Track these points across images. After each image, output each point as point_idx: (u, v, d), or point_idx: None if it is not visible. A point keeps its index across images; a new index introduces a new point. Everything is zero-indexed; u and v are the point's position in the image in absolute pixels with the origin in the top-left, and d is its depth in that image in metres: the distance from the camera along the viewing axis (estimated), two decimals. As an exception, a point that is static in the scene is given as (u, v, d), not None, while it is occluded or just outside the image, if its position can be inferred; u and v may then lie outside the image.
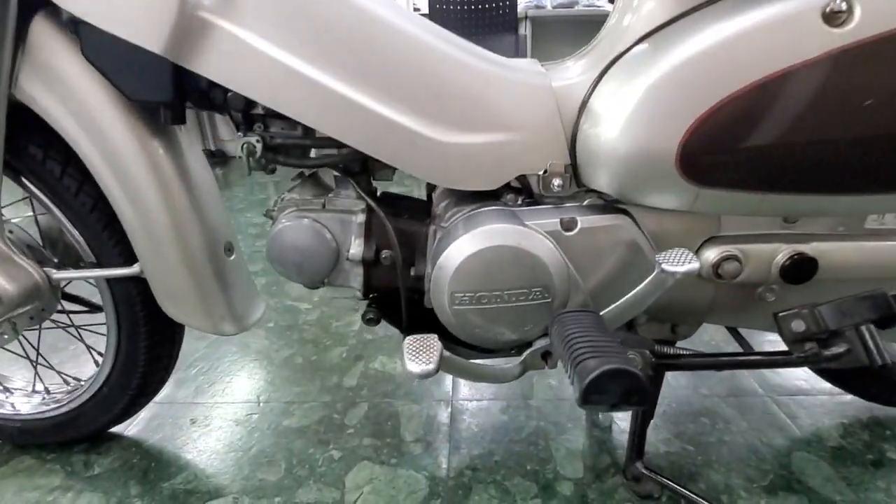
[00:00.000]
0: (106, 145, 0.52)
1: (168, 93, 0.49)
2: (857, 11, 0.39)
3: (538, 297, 0.50)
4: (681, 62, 0.43)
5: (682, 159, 0.44)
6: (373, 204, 0.55)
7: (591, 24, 3.52)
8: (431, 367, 0.43)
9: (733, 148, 0.44)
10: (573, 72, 0.53)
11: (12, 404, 0.74)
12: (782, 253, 0.51)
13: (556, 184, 0.52)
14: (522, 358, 0.53)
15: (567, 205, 0.53)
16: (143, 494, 0.67)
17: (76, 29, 0.48)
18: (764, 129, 0.43)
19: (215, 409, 0.84)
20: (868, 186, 0.45)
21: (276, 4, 0.46)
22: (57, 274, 0.60)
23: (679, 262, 0.45)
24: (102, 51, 0.48)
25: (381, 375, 0.92)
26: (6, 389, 0.76)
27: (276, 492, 0.67)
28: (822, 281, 0.52)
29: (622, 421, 0.77)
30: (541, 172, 0.52)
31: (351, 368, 0.94)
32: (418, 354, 0.45)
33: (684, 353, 0.56)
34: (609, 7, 2.45)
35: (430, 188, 0.64)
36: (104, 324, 0.67)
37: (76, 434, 0.75)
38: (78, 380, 0.76)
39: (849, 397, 0.80)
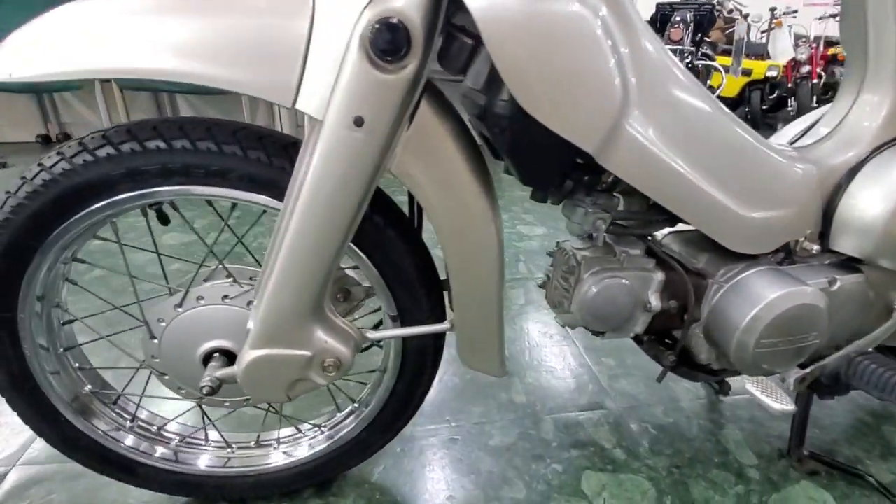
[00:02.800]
0: (459, 213, 0.56)
1: (560, 180, 0.55)
2: None
3: (814, 340, 0.65)
4: None
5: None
6: (679, 266, 0.65)
7: None
8: (792, 407, 0.56)
9: None
10: (828, 159, 0.67)
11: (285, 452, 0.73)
12: None
13: (813, 248, 0.67)
14: (793, 388, 0.68)
15: (815, 264, 0.69)
16: (416, 527, 0.72)
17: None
18: None
19: (413, 436, 0.88)
20: None
21: (674, 123, 0.54)
22: (373, 334, 0.61)
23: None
24: (518, 139, 0.52)
25: (539, 388, 1.02)
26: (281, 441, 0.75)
27: (531, 508, 0.76)
28: None
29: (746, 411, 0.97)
30: (801, 238, 0.67)
31: (509, 384, 1.03)
32: (768, 395, 0.57)
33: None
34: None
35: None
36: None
37: (314, 480, 0.76)
38: (318, 426, 0.76)
39: None
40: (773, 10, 3.88)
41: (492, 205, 0.57)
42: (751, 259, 0.68)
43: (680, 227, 0.73)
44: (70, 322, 0.64)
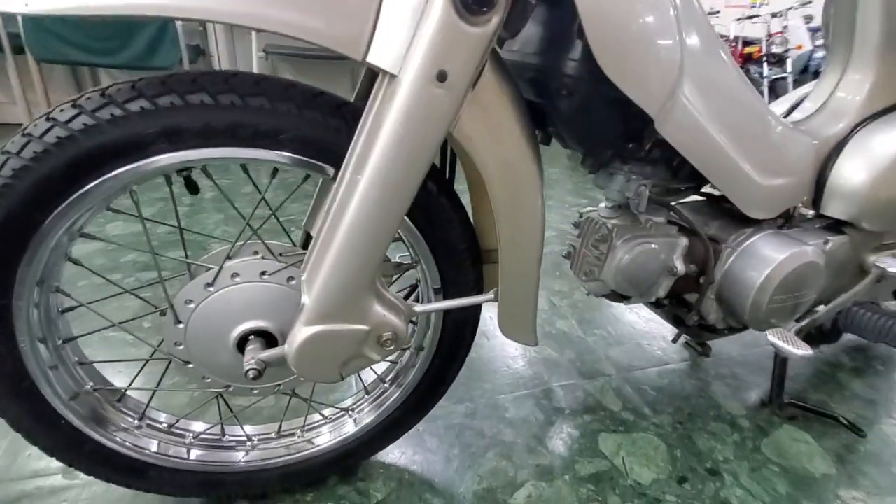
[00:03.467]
0: (514, 181, 0.55)
1: (611, 146, 0.55)
2: None
3: (812, 295, 0.72)
4: (886, 146, 0.68)
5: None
6: (700, 232, 0.69)
7: None
8: (811, 352, 0.62)
9: None
10: (820, 132, 0.73)
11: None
12: None
13: (809, 213, 0.74)
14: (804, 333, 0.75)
15: (809, 227, 0.76)
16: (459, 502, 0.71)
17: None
18: None
19: (432, 415, 0.87)
20: None
21: (715, 95, 0.57)
22: (420, 307, 0.59)
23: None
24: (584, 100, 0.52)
25: (543, 361, 1.04)
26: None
27: (560, 472, 0.78)
28: None
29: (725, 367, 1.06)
30: (799, 204, 0.73)
31: (513, 360, 1.04)
32: (789, 343, 0.63)
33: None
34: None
35: None
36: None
37: (340, 467, 0.72)
38: (344, 410, 0.72)
39: None
40: None
41: (540, 173, 0.57)
42: (755, 224, 0.73)
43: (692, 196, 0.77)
44: (70, 309, 0.55)
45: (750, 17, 4.13)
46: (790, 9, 4.20)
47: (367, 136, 0.45)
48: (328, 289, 0.49)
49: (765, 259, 0.68)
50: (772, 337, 0.68)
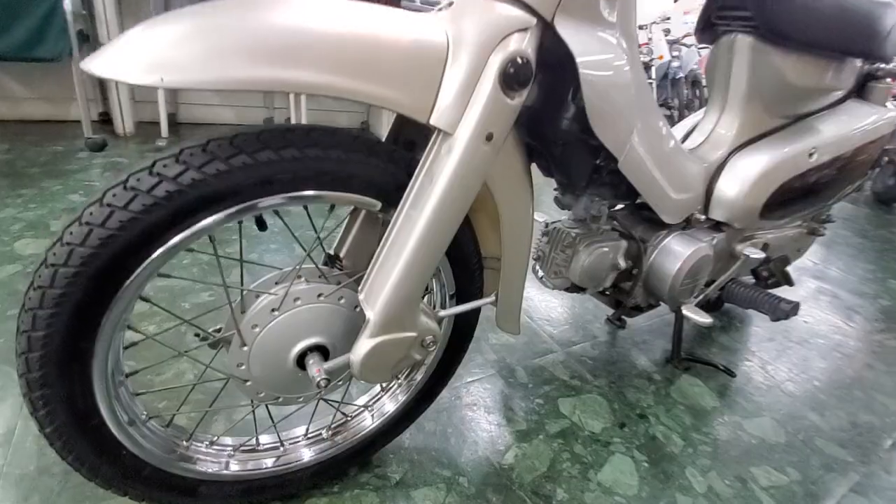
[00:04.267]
0: (518, 204, 0.70)
1: (584, 177, 0.73)
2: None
3: (705, 278, 0.98)
4: (772, 160, 0.96)
5: (765, 207, 0.99)
6: (634, 236, 0.90)
7: None
8: (710, 319, 0.87)
9: (784, 200, 1.01)
10: (708, 157, 0.99)
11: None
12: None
13: (702, 218, 1.00)
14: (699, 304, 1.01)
15: (701, 228, 1.02)
16: (469, 475, 0.85)
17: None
18: (800, 187, 1.00)
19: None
20: None
21: (650, 137, 0.77)
22: (443, 312, 0.71)
23: (756, 254, 1.01)
24: (573, 147, 0.67)
25: (505, 346, 1.22)
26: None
27: (535, 433, 0.96)
28: None
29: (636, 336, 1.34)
30: (696, 211, 0.99)
31: (478, 347, 1.20)
32: (697, 315, 0.87)
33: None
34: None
35: None
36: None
37: (366, 457, 0.82)
38: (364, 406, 0.81)
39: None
40: None
41: (532, 197, 0.72)
42: (668, 227, 0.97)
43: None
44: (134, 344, 0.57)
45: None
46: (653, 23, 4.93)
47: (423, 181, 0.56)
48: (390, 304, 0.59)
49: (677, 254, 0.92)
50: (685, 311, 0.92)
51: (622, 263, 0.91)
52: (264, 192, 0.50)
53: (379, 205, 0.60)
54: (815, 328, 1.51)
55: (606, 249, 0.88)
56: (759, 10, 0.84)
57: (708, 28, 0.96)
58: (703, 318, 0.91)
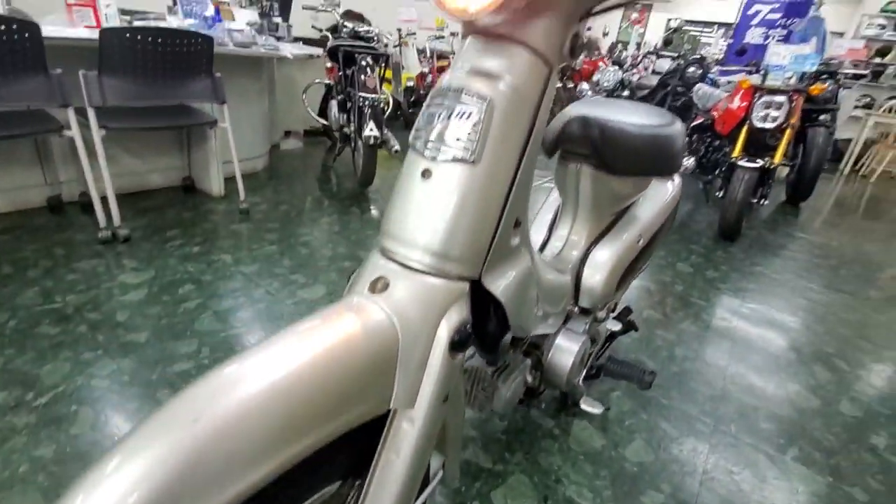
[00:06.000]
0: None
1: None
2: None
3: (588, 360, 1.18)
4: (617, 253, 1.19)
5: (616, 288, 1.22)
6: (531, 351, 1.03)
7: (268, 60, 3.55)
8: (602, 408, 1.06)
9: (626, 277, 1.25)
10: (568, 259, 1.17)
11: None
12: None
13: (576, 309, 1.18)
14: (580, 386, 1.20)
15: (577, 317, 1.20)
16: None
17: None
18: (634, 263, 1.26)
19: None
20: None
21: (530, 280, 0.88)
22: None
23: (617, 325, 1.25)
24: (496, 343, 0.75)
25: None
26: None
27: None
28: None
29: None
30: (572, 305, 1.17)
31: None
32: (592, 406, 1.06)
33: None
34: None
35: None
36: None
37: None
38: None
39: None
40: (399, 30, 4.83)
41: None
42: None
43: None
44: None
45: (438, 37, 5.06)
46: None
47: (388, 455, 0.57)
48: None
49: (568, 350, 1.09)
50: (583, 406, 1.10)
51: (530, 379, 1.04)
52: None
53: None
54: (631, 343, 1.92)
55: (518, 374, 0.99)
56: (594, 151, 1.02)
57: (555, 151, 1.12)
58: (597, 409, 1.11)
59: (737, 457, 1.36)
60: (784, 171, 4.13)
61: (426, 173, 0.57)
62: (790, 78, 2.95)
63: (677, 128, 1.16)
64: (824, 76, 3.56)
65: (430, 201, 0.57)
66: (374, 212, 2.88)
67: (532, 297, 0.78)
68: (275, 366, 0.45)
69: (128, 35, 1.94)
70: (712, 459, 1.34)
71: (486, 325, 0.72)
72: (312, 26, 4.04)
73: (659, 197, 1.36)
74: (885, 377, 1.83)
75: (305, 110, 3.87)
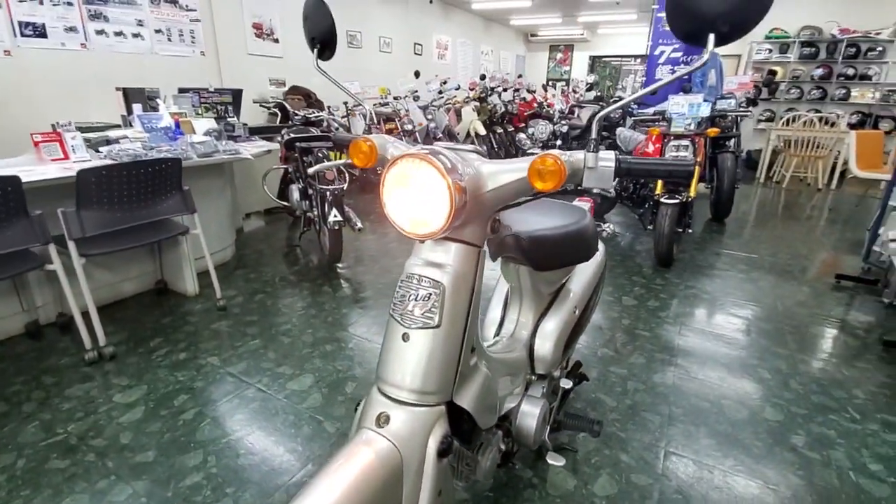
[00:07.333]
0: None
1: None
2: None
3: (549, 419, 1.42)
4: (559, 325, 1.45)
5: (562, 353, 1.48)
6: (501, 423, 1.27)
7: (229, 164, 3.79)
8: (563, 461, 1.29)
9: (569, 342, 1.52)
10: (521, 338, 1.42)
11: None
12: None
13: (533, 377, 1.43)
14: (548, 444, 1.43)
15: (536, 383, 1.45)
16: None
17: None
18: (574, 328, 1.53)
19: None
20: None
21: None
22: None
23: (568, 383, 1.50)
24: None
25: None
26: None
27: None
28: None
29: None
30: (529, 374, 1.41)
31: None
32: (556, 460, 1.29)
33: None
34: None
35: None
36: None
37: None
38: None
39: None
40: (345, 104, 5.37)
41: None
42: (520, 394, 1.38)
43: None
44: None
45: (383, 104, 5.65)
46: (406, 97, 5.91)
47: None
48: None
49: (532, 414, 1.33)
50: (549, 460, 1.33)
51: (503, 446, 1.27)
52: None
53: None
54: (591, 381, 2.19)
55: (494, 446, 1.22)
56: (526, 257, 1.30)
57: (498, 256, 1.40)
58: (560, 462, 1.34)
59: (686, 476, 1.62)
60: (707, 192, 4.67)
61: (405, 336, 0.81)
62: (690, 124, 3.44)
63: (586, 222, 1.47)
64: (717, 118, 4.12)
65: (410, 356, 0.81)
66: (346, 289, 3.08)
67: (493, 396, 1.03)
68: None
69: (104, 172, 2.13)
70: (665, 483, 1.59)
71: (462, 427, 0.95)
72: (261, 105, 4.37)
73: (587, 271, 1.65)
74: (799, 382, 2.16)
75: (267, 195, 4.07)
